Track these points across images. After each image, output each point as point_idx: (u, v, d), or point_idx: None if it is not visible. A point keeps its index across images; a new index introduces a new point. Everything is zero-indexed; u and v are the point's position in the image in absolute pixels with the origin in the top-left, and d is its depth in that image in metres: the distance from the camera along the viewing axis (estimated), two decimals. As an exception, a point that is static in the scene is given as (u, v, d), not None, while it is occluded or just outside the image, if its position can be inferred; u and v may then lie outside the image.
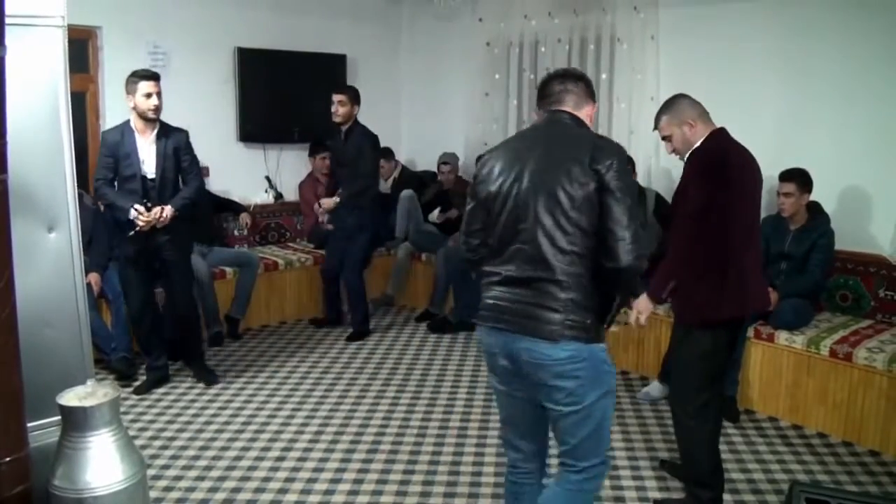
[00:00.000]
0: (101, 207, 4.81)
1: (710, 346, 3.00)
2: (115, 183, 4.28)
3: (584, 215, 2.25)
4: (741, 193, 2.91)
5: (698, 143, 3.00)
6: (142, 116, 4.20)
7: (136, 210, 4.18)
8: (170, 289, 4.61)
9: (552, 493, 2.50)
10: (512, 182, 2.35)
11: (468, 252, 2.56)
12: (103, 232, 4.79)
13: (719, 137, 2.99)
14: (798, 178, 4.26)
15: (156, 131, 4.28)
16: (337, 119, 5.29)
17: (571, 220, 2.25)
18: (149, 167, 4.28)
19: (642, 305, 3.08)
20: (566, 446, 2.43)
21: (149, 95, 4.15)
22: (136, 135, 4.23)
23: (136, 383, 4.57)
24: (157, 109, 4.21)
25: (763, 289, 3.14)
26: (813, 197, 4.33)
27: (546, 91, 2.50)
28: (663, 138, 3.14)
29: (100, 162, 4.28)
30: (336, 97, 5.26)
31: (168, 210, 4.27)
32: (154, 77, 4.20)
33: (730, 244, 2.90)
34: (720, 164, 2.91)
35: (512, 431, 2.60)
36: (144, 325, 4.50)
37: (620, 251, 2.22)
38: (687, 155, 3.04)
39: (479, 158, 2.55)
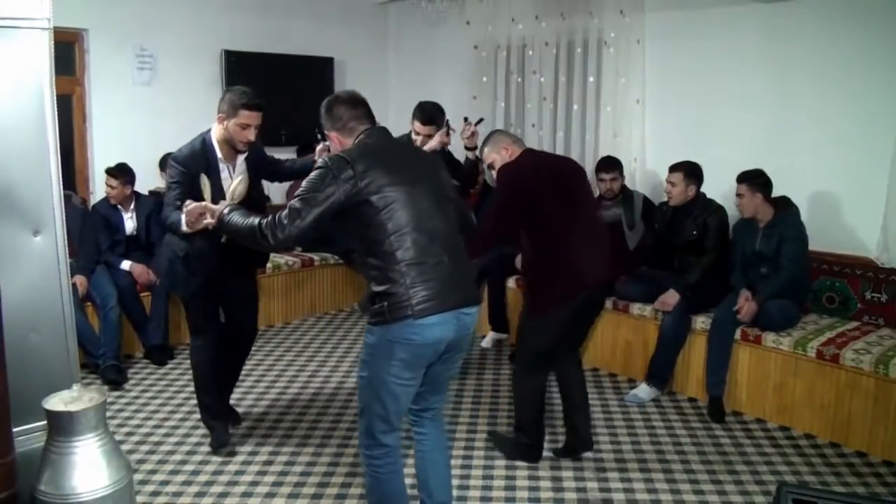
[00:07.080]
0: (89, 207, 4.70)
1: (549, 324, 3.42)
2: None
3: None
4: (544, 193, 3.33)
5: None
6: (228, 143, 3.50)
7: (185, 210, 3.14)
8: (236, 309, 3.84)
9: (443, 440, 2.94)
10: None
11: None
12: (91, 234, 4.76)
13: (521, 155, 3.50)
14: (748, 180, 4.30)
15: (244, 155, 3.61)
16: None
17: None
18: (235, 193, 3.58)
19: None
20: (440, 396, 2.86)
21: (246, 127, 3.44)
22: (220, 160, 3.51)
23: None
24: (249, 144, 3.52)
25: (600, 261, 3.46)
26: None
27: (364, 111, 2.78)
28: (488, 166, 3.65)
29: (171, 190, 3.44)
30: None
31: None
32: (260, 108, 3.45)
33: (547, 234, 3.35)
34: (512, 173, 3.43)
35: (400, 412, 2.69)
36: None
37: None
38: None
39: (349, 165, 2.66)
